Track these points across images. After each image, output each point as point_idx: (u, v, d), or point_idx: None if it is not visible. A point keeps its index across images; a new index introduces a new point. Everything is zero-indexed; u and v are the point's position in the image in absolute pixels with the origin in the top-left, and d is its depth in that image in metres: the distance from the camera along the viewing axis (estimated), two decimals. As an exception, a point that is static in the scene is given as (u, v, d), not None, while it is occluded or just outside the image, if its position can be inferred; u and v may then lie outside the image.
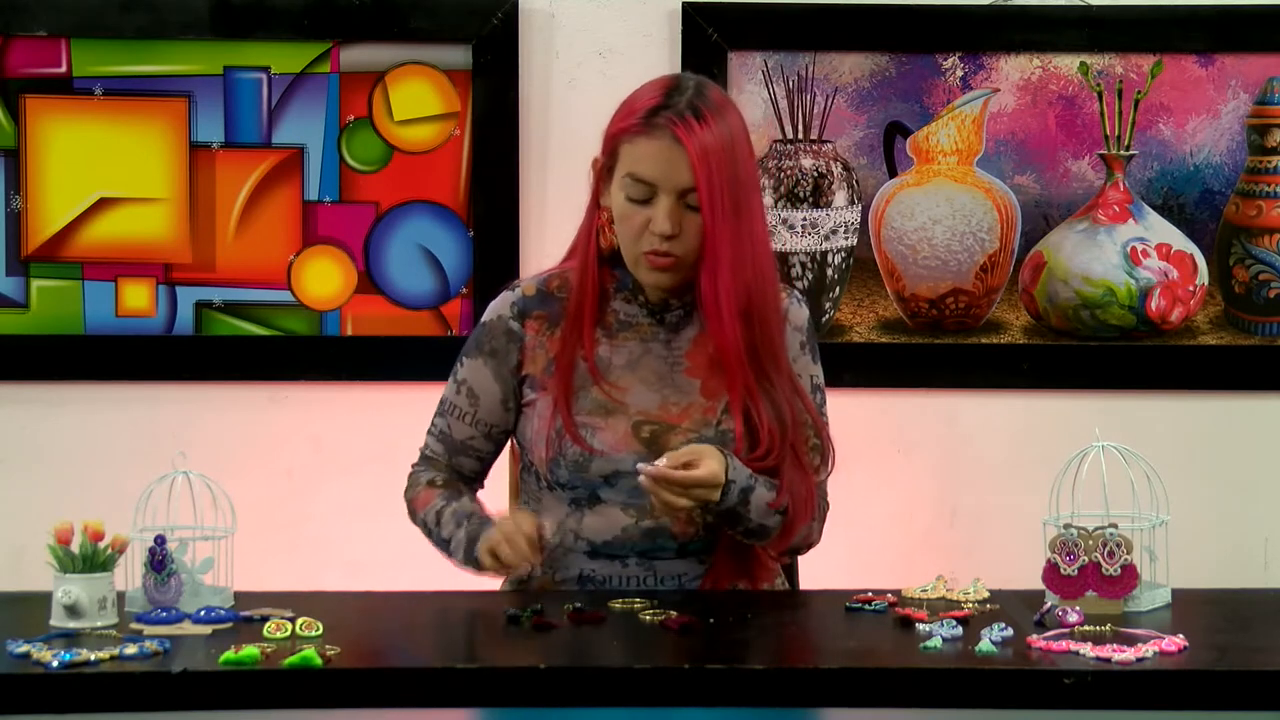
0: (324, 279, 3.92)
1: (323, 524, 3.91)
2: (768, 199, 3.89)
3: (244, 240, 3.91)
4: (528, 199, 3.91)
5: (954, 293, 3.96)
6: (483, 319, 3.06)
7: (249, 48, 3.88)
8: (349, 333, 3.93)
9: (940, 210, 3.95)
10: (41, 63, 3.87)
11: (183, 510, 2.79)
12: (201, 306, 3.91)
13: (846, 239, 3.94)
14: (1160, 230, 3.95)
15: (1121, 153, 3.93)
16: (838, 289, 3.95)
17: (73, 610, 2.63)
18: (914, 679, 2.48)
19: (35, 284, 3.90)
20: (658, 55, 3.87)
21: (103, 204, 3.89)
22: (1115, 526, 2.74)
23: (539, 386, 2.99)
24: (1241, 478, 3.98)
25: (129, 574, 2.74)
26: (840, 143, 3.92)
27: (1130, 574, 2.73)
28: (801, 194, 3.92)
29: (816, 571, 3.26)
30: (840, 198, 3.93)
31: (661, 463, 2.82)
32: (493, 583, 3.13)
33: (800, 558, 3.22)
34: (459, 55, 3.90)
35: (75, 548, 2.67)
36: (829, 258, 3.94)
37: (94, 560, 2.66)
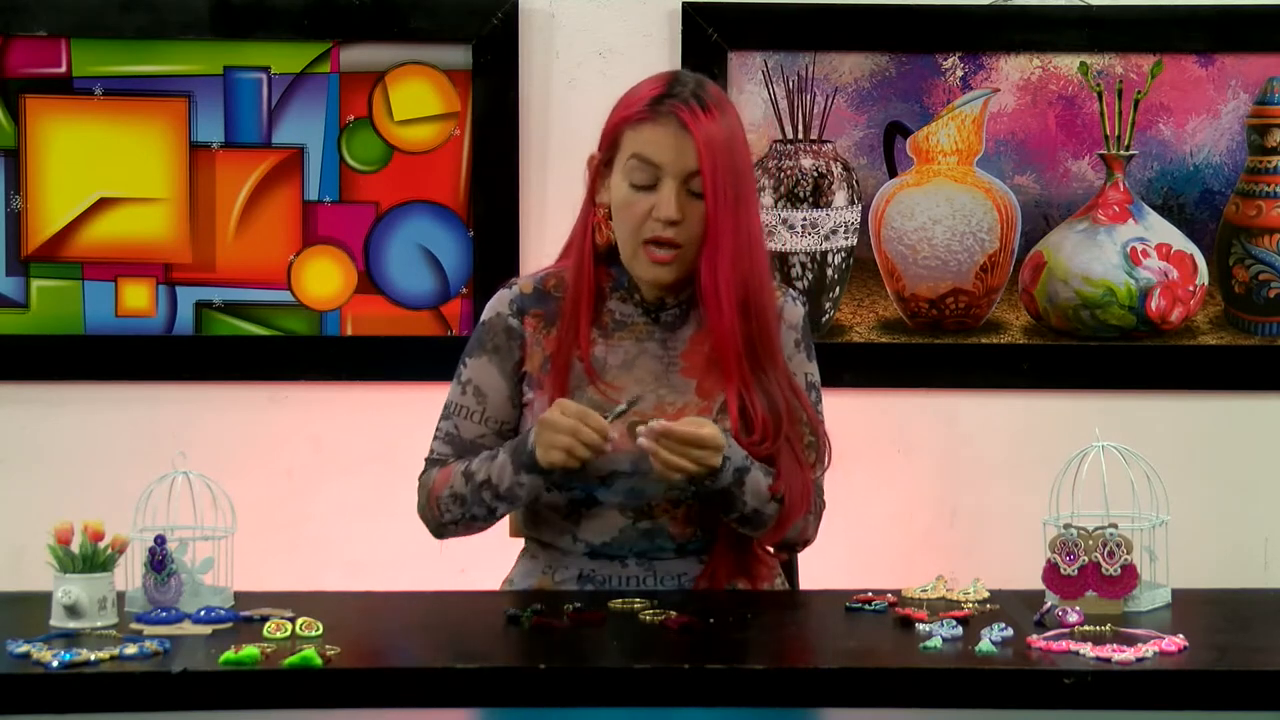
0: (324, 279, 3.92)
1: (323, 524, 3.91)
2: (767, 199, 3.89)
3: (244, 240, 3.91)
4: (528, 199, 3.91)
5: (954, 293, 3.96)
6: (482, 318, 3.06)
7: (249, 48, 3.88)
8: (349, 333, 3.93)
9: (940, 210, 3.95)
10: (41, 63, 3.87)
11: (183, 510, 2.79)
12: (201, 306, 3.91)
13: (846, 239, 3.94)
14: (1160, 230, 3.95)
15: (1121, 153, 3.93)
16: (838, 289, 3.95)
17: (73, 610, 2.63)
18: (914, 679, 2.48)
19: (35, 284, 3.90)
20: (658, 55, 3.87)
21: (103, 204, 3.89)
22: (1115, 526, 2.74)
23: (536, 385, 2.99)
24: (1241, 478, 3.98)
25: (129, 574, 2.74)
26: (840, 143, 3.92)
27: (1130, 574, 2.73)
28: (801, 194, 3.92)
29: (816, 571, 3.27)
30: (840, 198, 3.93)
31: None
32: (493, 583, 3.13)
33: (800, 558, 3.22)
34: (459, 55, 3.90)
35: (75, 548, 2.67)
36: (829, 258, 3.94)
37: (94, 560, 2.66)
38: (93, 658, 2.47)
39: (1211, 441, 3.97)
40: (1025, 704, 2.47)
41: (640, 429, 2.82)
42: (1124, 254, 3.95)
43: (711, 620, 2.69)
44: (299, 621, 2.61)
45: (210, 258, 3.90)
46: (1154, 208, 3.94)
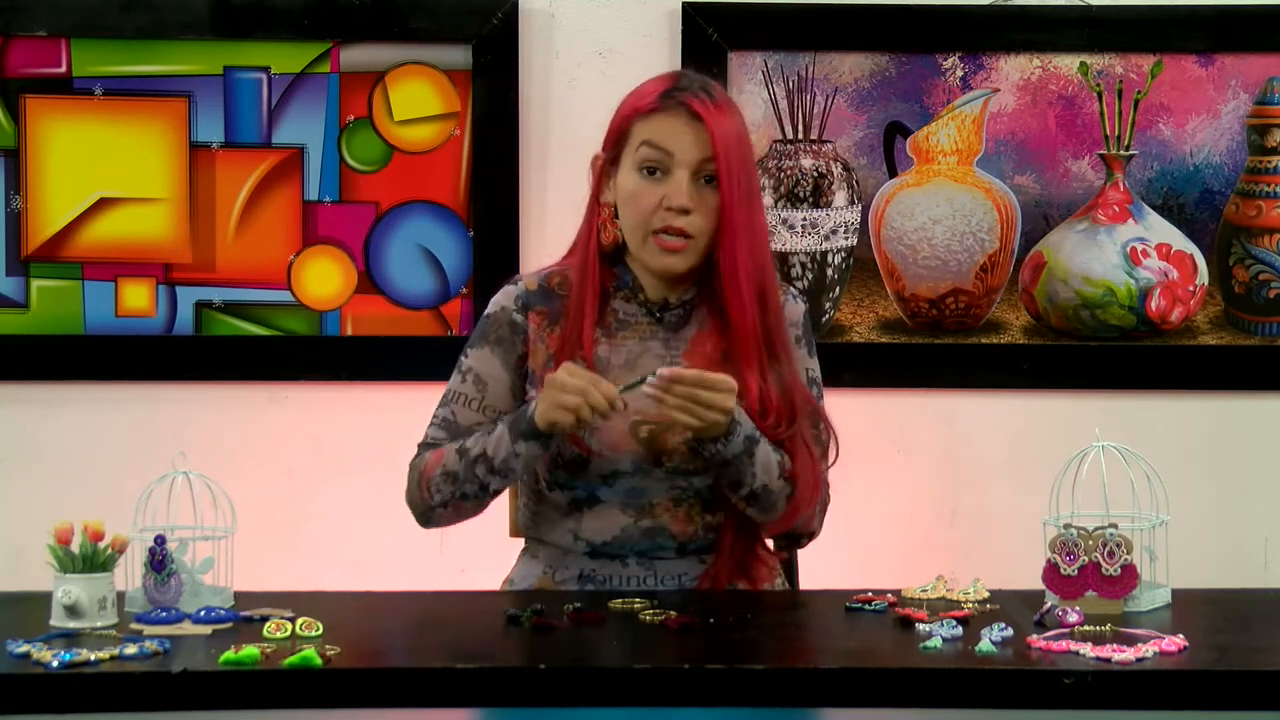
0: (324, 279, 3.92)
1: (323, 524, 3.91)
2: (767, 199, 3.89)
3: (244, 240, 3.91)
4: (528, 199, 3.91)
5: (954, 293, 3.96)
6: (486, 312, 3.06)
7: (249, 48, 3.88)
8: (349, 333, 3.93)
9: (940, 210, 3.95)
10: (41, 63, 3.87)
11: (183, 510, 2.79)
12: (201, 306, 3.91)
13: (846, 239, 3.94)
14: (1160, 230, 3.95)
15: (1121, 153, 3.93)
16: (838, 289, 3.95)
17: (73, 610, 2.63)
18: (914, 679, 2.48)
19: (35, 284, 3.90)
20: (658, 55, 3.87)
21: (103, 204, 3.89)
22: (1115, 526, 2.74)
23: (538, 382, 2.98)
24: (1241, 478, 3.98)
25: (129, 574, 2.74)
26: (840, 143, 3.92)
27: (1130, 574, 2.73)
28: (801, 194, 3.92)
29: (816, 571, 3.27)
30: (840, 198, 3.93)
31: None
32: (493, 583, 3.13)
33: (800, 558, 3.22)
34: (459, 55, 3.90)
35: (75, 548, 2.67)
36: (829, 258, 3.94)
37: (94, 560, 2.66)
38: (93, 658, 2.47)
39: (1211, 441, 3.97)
40: (1025, 704, 2.47)
41: (648, 380, 2.80)
42: (1124, 254, 3.95)
43: (711, 620, 2.69)
44: (299, 621, 2.61)
45: (210, 258, 3.90)
46: (1154, 208, 3.94)
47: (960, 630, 2.63)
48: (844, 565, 3.50)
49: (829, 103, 3.92)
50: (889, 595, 2.83)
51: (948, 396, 3.97)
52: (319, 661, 2.45)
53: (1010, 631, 2.61)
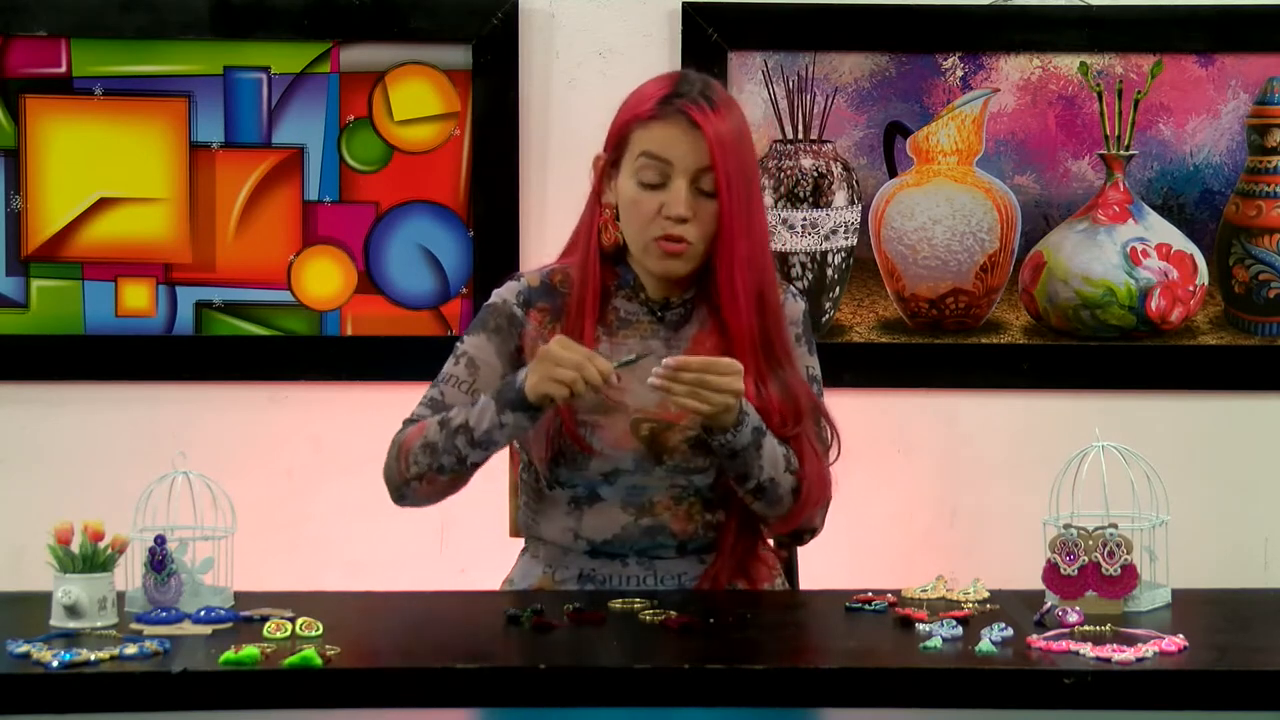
0: (324, 279, 3.92)
1: (323, 524, 3.91)
2: (767, 199, 3.89)
3: (244, 240, 3.91)
4: (528, 199, 3.91)
5: (954, 293, 3.96)
6: (488, 301, 3.06)
7: (249, 48, 3.88)
8: (349, 333, 3.93)
9: (940, 210, 3.95)
10: (41, 63, 3.87)
11: (183, 510, 2.79)
12: (201, 306, 3.91)
13: (846, 239, 3.94)
14: (1160, 230, 3.95)
15: (1121, 153, 3.93)
16: (838, 289, 3.95)
17: (73, 610, 2.63)
18: (914, 679, 2.48)
19: (35, 284, 3.90)
20: (658, 55, 3.87)
21: (103, 204, 3.89)
22: (1115, 526, 2.74)
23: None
24: (1241, 478, 3.98)
25: (129, 574, 2.74)
26: (840, 143, 3.92)
27: (1130, 574, 2.73)
28: (801, 194, 3.92)
29: (816, 571, 3.27)
30: (840, 198, 3.93)
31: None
32: (493, 583, 3.13)
33: (800, 557, 3.22)
34: (459, 55, 3.90)
35: (75, 548, 2.67)
36: (829, 258, 3.94)
37: (94, 560, 2.66)
38: (93, 658, 2.47)
39: (1211, 441, 3.97)
40: (1025, 704, 2.47)
41: (654, 370, 2.80)
42: (1124, 254, 3.95)
43: (711, 620, 2.69)
44: (299, 621, 2.61)
45: (210, 258, 3.90)
46: (1154, 208, 3.94)
47: (960, 630, 2.63)
48: (844, 565, 3.50)
49: (829, 103, 3.92)
50: (889, 595, 2.83)
51: (948, 396, 3.97)
52: (319, 661, 2.45)
53: (1010, 631, 2.61)
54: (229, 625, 2.66)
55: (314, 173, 3.90)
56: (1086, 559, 2.73)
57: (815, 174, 3.92)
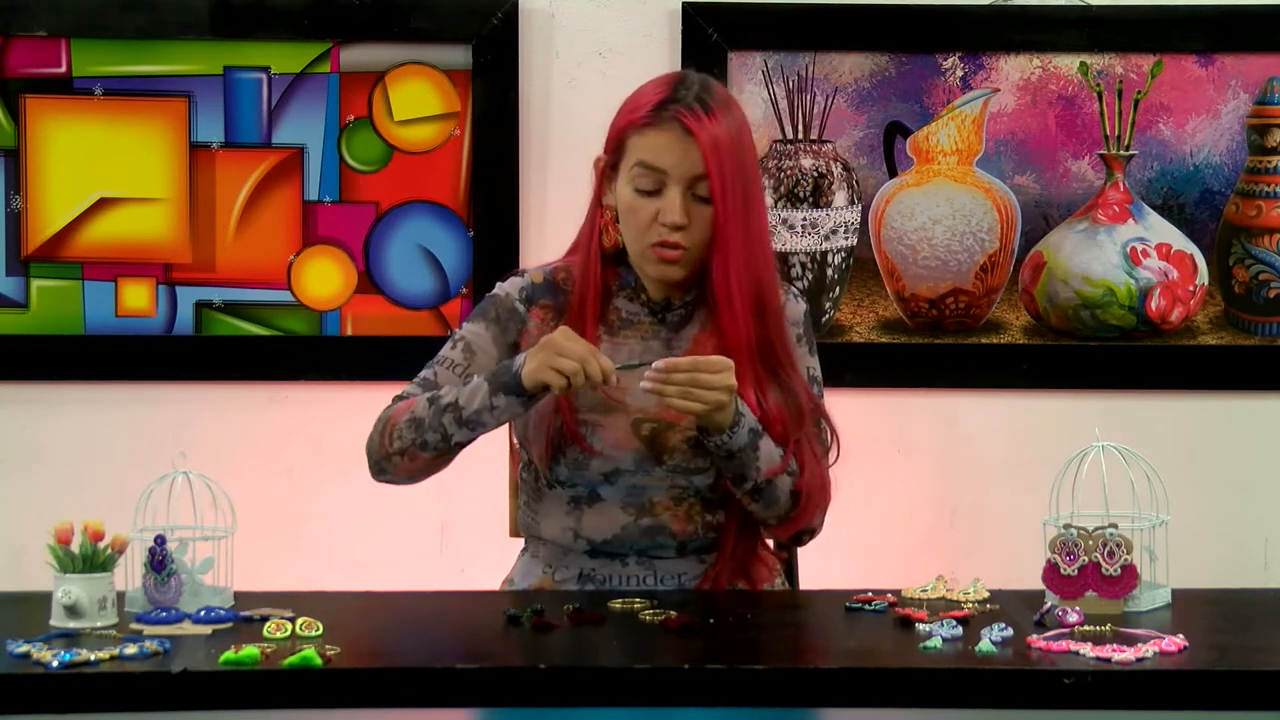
0: (324, 279, 3.92)
1: (323, 524, 3.91)
2: (767, 199, 3.89)
3: (244, 240, 3.91)
4: (528, 199, 3.91)
5: (954, 293, 3.96)
6: (491, 292, 3.06)
7: (249, 48, 3.88)
8: (349, 333, 3.93)
9: (940, 210, 3.95)
10: (41, 63, 3.87)
11: (183, 510, 2.79)
12: (201, 306, 3.91)
13: (846, 239, 3.94)
14: (1160, 230, 3.95)
15: (1121, 153, 3.93)
16: (838, 289, 3.95)
17: (73, 610, 2.63)
18: (914, 679, 2.48)
19: (35, 284, 3.90)
20: (658, 55, 3.87)
21: (103, 204, 3.89)
22: (1115, 526, 2.74)
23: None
24: (1241, 478, 3.98)
25: (129, 574, 2.74)
26: (840, 143, 3.92)
27: (1130, 574, 2.73)
28: (801, 194, 3.92)
29: (816, 571, 3.27)
30: (840, 198, 3.93)
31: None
32: (493, 583, 3.13)
33: (800, 557, 3.22)
34: (459, 55, 3.90)
35: (75, 548, 2.66)
36: (829, 258, 3.94)
37: (94, 560, 2.66)
38: (93, 658, 2.47)
39: (1211, 441, 3.97)
40: (1025, 704, 2.47)
41: (645, 375, 2.80)
42: (1124, 254, 3.95)
43: (711, 620, 2.69)
44: (299, 621, 2.61)
45: (210, 258, 3.90)
46: (1154, 208, 3.94)
47: (960, 630, 2.63)
48: (844, 565, 3.50)
49: (829, 103, 3.92)
50: (889, 595, 2.83)
51: (948, 396, 3.97)
52: (319, 661, 2.45)
53: (1010, 631, 2.61)
54: (229, 625, 2.66)
55: (314, 173, 3.90)
56: (1086, 559, 2.73)
57: (815, 174, 3.92)
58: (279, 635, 2.58)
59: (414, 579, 3.73)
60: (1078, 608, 2.68)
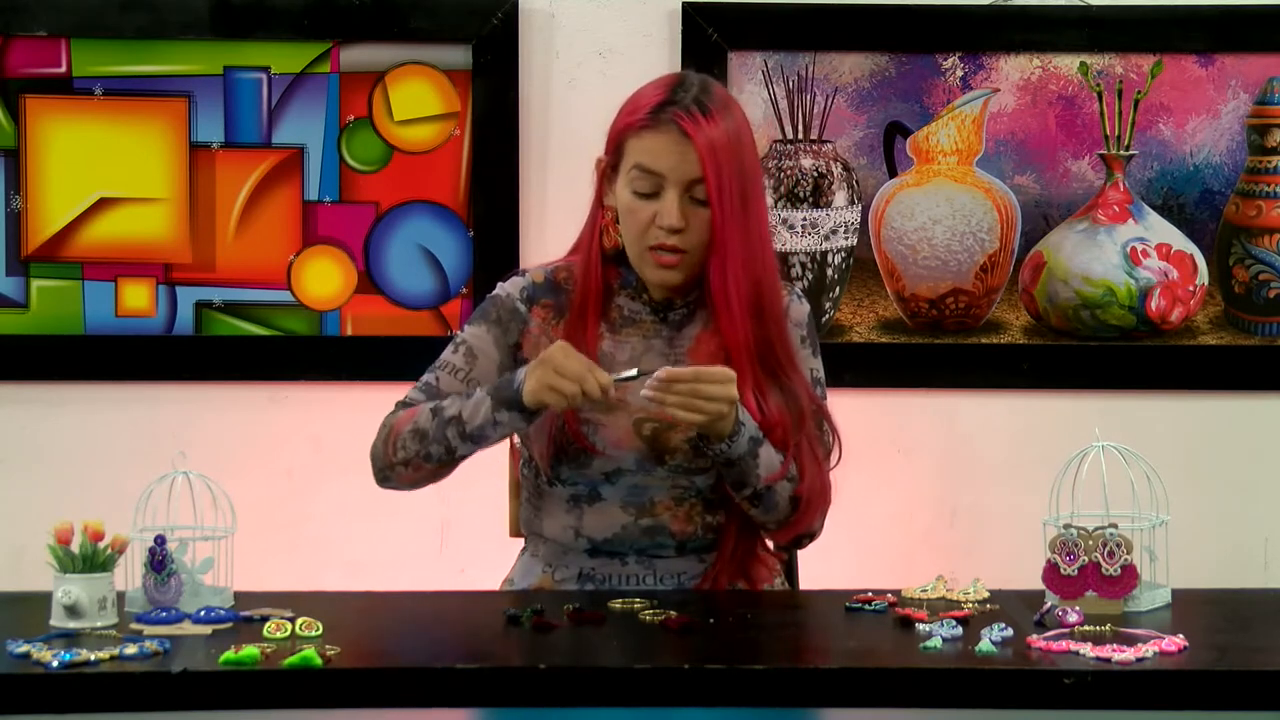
0: (324, 279, 3.92)
1: (323, 524, 3.91)
2: (767, 199, 3.89)
3: (244, 240, 3.91)
4: (528, 199, 3.91)
5: (954, 293, 3.96)
6: (492, 293, 3.06)
7: (249, 48, 3.88)
8: (349, 333, 3.93)
9: (940, 210, 3.95)
10: (41, 63, 3.87)
11: (183, 510, 2.79)
12: (201, 306, 3.91)
13: (846, 239, 3.94)
14: (1160, 230, 3.95)
15: (1121, 153, 3.93)
16: (838, 289, 3.95)
17: (73, 610, 2.63)
18: (914, 679, 2.48)
19: (35, 284, 3.90)
20: (658, 55, 3.88)
21: (103, 204, 3.89)
22: (1115, 526, 2.74)
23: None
24: (1241, 478, 3.98)
25: (129, 574, 2.74)
26: (840, 143, 3.93)
27: (1130, 574, 2.73)
28: (801, 194, 3.92)
29: (816, 571, 3.27)
30: (840, 198, 3.93)
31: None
32: (493, 583, 3.13)
33: (800, 558, 3.22)
34: (459, 55, 3.90)
35: (75, 548, 2.66)
36: (829, 258, 3.94)
37: (94, 560, 2.66)
38: (93, 658, 2.47)
39: (1211, 441, 3.97)
40: (1025, 704, 2.47)
41: (646, 385, 2.80)
42: (1124, 254, 3.95)
43: (711, 620, 2.69)
44: (299, 621, 2.61)
45: (210, 258, 3.91)
46: (1154, 208, 3.94)
47: (960, 630, 2.63)
48: (844, 565, 3.50)
49: (829, 103, 3.92)
50: (889, 595, 2.83)
51: (948, 396, 3.97)
52: (319, 661, 2.45)
53: (1010, 631, 2.61)
54: (229, 625, 2.66)
55: (314, 173, 3.90)
56: (1086, 559, 2.73)
57: (815, 174, 3.92)
58: (279, 635, 2.58)
59: (414, 579, 3.73)
60: (1078, 608, 2.68)
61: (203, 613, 2.68)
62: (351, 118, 3.90)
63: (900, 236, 3.95)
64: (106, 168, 3.88)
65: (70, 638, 2.59)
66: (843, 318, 3.95)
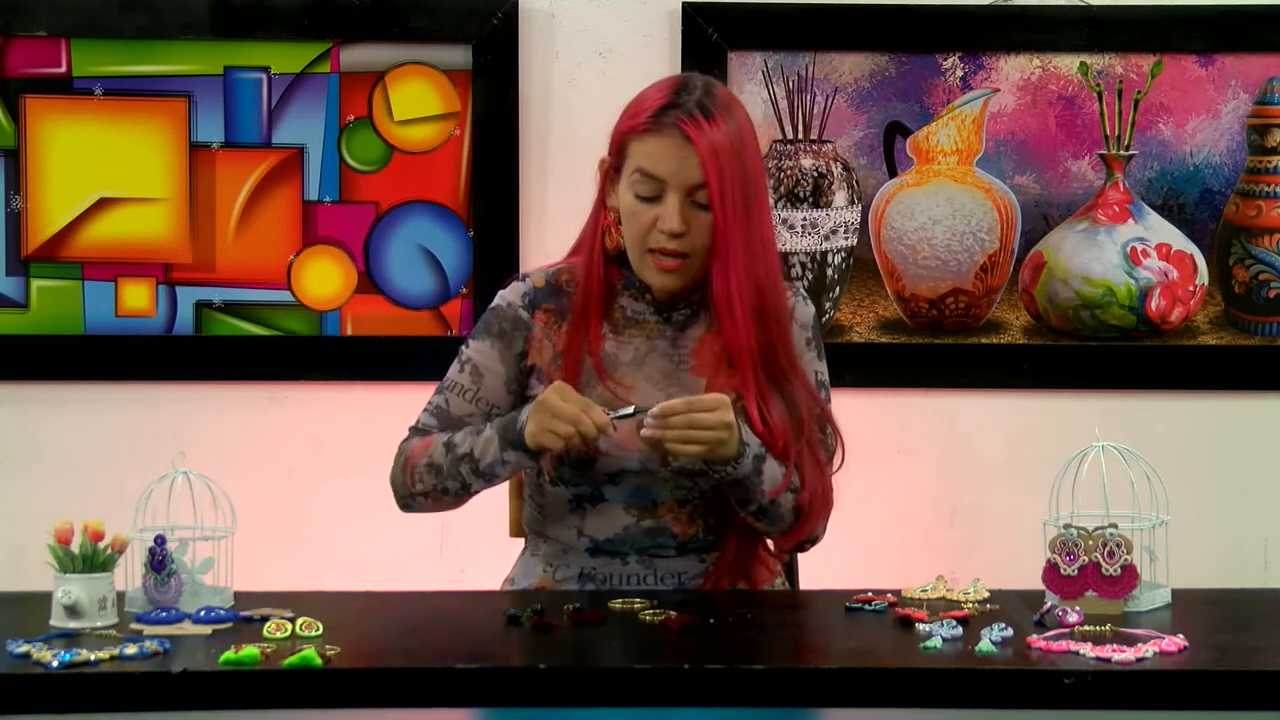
0: (324, 279, 3.92)
1: (323, 524, 3.91)
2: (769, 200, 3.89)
3: (244, 240, 3.91)
4: (528, 199, 3.91)
5: (954, 293, 3.96)
6: (493, 304, 3.06)
7: (249, 48, 3.88)
8: (349, 333, 3.93)
9: (940, 210, 3.95)
10: (41, 63, 3.87)
11: (183, 510, 2.79)
12: (201, 306, 3.91)
13: (846, 239, 3.94)
14: (1160, 230, 3.95)
15: (1121, 153, 3.93)
16: (838, 289, 3.95)
17: (73, 610, 2.63)
18: (914, 679, 2.48)
19: (35, 284, 3.90)
20: (658, 55, 3.88)
21: (103, 204, 3.89)
22: (1115, 526, 2.74)
23: (545, 380, 2.98)
24: (1241, 478, 3.98)
25: (129, 574, 2.74)
26: (840, 143, 3.93)
27: (1130, 574, 2.73)
28: (801, 194, 3.92)
29: (816, 571, 3.27)
30: (840, 198, 3.93)
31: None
32: (493, 583, 3.13)
33: (800, 558, 3.22)
34: (459, 55, 3.90)
35: (75, 548, 2.66)
36: (829, 258, 3.94)
37: (94, 560, 2.66)
38: (93, 658, 2.47)
39: (1211, 441, 3.97)
40: (1025, 704, 2.47)
41: (643, 423, 2.81)
42: (1124, 254, 3.95)
43: (712, 620, 2.69)
44: (299, 621, 2.61)
45: (210, 258, 3.91)
46: (1154, 208, 3.94)
47: (960, 630, 2.63)
48: (844, 565, 3.50)
49: (829, 103, 3.92)
50: (889, 595, 2.83)
51: (948, 396, 3.97)
52: (319, 661, 2.45)
53: (1010, 631, 2.60)
54: (229, 625, 2.66)
55: (314, 173, 3.90)
56: (1086, 559, 2.73)
57: (815, 174, 3.92)
58: (279, 635, 2.58)
59: (414, 579, 3.73)
60: (1078, 608, 2.68)
61: (203, 613, 2.68)
62: (351, 118, 3.90)
63: (900, 236, 3.95)
64: (106, 168, 3.88)
65: (70, 638, 2.59)
66: (843, 318, 3.95)
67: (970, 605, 2.79)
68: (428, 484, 2.95)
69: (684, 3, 3.87)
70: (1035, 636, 2.58)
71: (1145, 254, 3.95)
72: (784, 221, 3.92)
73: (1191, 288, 3.95)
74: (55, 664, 2.45)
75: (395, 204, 3.91)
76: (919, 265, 3.95)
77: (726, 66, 3.88)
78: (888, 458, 3.95)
